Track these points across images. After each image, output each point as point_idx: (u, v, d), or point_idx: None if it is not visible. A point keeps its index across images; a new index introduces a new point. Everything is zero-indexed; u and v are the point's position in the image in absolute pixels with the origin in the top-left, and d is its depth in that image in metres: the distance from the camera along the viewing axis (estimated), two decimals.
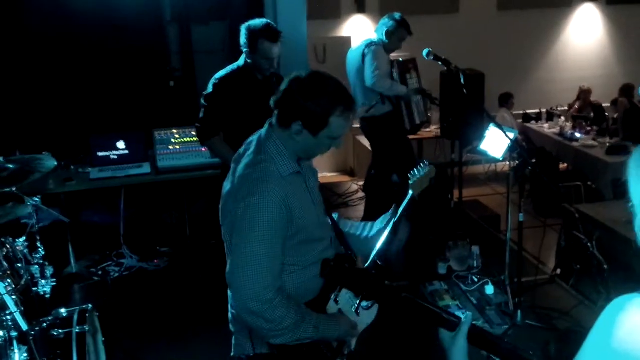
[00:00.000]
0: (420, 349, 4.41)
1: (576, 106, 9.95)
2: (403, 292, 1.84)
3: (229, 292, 2.64)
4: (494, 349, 1.70)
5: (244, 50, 4.40)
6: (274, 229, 2.34)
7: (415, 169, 3.01)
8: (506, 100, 9.65)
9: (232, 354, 2.68)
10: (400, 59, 6.32)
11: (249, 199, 2.33)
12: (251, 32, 4.31)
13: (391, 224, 2.81)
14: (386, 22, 6.03)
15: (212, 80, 4.50)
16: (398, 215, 2.83)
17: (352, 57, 6.19)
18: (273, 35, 4.30)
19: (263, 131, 2.52)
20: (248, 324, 2.37)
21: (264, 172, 2.39)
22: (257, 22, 4.34)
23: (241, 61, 4.49)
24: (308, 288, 2.53)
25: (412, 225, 2.93)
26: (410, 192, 2.94)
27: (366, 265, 2.75)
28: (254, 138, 2.55)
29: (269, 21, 4.42)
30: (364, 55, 5.97)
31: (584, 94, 10.04)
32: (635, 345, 1.25)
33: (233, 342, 2.67)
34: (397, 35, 6.01)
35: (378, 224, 2.87)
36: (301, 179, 2.52)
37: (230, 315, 2.68)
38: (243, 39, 4.35)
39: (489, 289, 5.08)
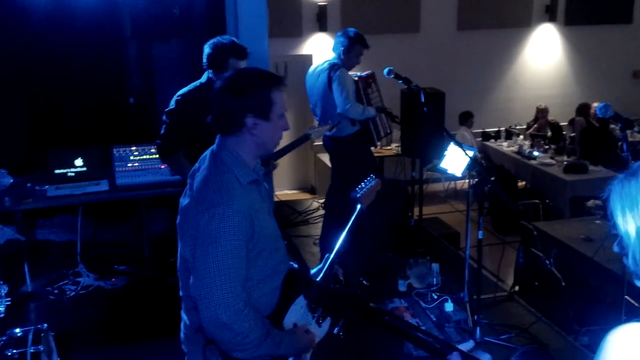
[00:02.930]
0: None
1: (536, 125, 10.10)
2: (386, 315, 1.84)
3: (182, 313, 2.64)
4: None
5: (209, 69, 4.38)
6: (239, 239, 2.33)
7: (362, 183, 3.10)
8: (466, 119, 9.77)
9: None
10: (360, 74, 6.32)
11: (213, 209, 2.32)
12: (219, 50, 4.29)
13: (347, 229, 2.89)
14: (341, 41, 6.00)
15: (175, 97, 4.46)
16: (347, 228, 2.89)
17: (315, 79, 6.15)
18: (242, 53, 4.31)
19: (214, 146, 2.54)
20: (214, 336, 2.34)
21: (224, 182, 2.39)
22: (223, 39, 4.34)
23: (204, 78, 4.46)
24: (263, 303, 2.51)
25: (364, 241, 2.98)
26: (359, 205, 2.99)
27: (324, 266, 2.78)
28: (206, 153, 2.56)
29: (233, 38, 4.42)
30: (330, 79, 5.95)
31: (540, 113, 10.23)
32: None
33: None
34: (354, 52, 6.00)
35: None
36: (257, 188, 2.53)
37: (182, 335, 2.66)
38: (209, 58, 4.33)
39: (449, 306, 5.09)
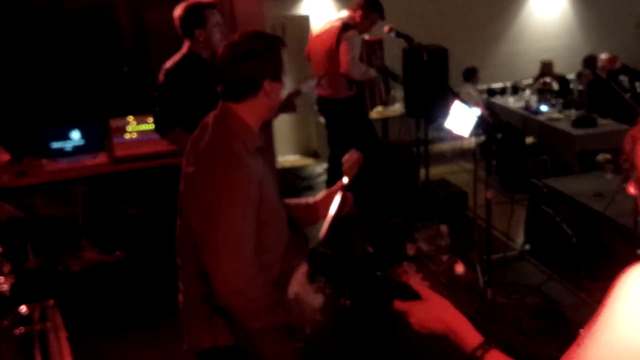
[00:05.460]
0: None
1: (547, 80, 9.93)
2: (393, 283, 1.82)
3: (180, 284, 2.65)
4: None
5: (190, 33, 4.36)
6: (250, 205, 2.32)
7: (347, 155, 3.08)
8: (471, 75, 9.60)
9: (184, 346, 2.65)
10: (366, 37, 6.30)
11: (223, 176, 2.29)
12: (193, 8, 4.30)
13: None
14: (362, 4, 6.00)
15: (163, 72, 4.44)
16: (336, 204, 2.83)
17: (323, 35, 6.12)
18: (211, 3, 4.34)
19: (217, 112, 2.49)
20: (229, 305, 2.32)
21: (233, 149, 2.36)
22: (190, 1, 4.35)
23: (184, 49, 4.43)
24: (267, 273, 2.47)
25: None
26: (345, 178, 2.97)
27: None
28: (208, 120, 2.51)
29: None
30: (338, 40, 5.93)
31: (545, 67, 10.05)
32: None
33: (185, 334, 2.64)
34: (369, 19, 6.04)
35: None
36: (261, 155, 2.50)
37: (180, 305, 2.66)
38: (187, 19, 4.31)
39: (459, 268, 5.08)
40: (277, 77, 2.44)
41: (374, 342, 4.18)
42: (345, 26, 5.93)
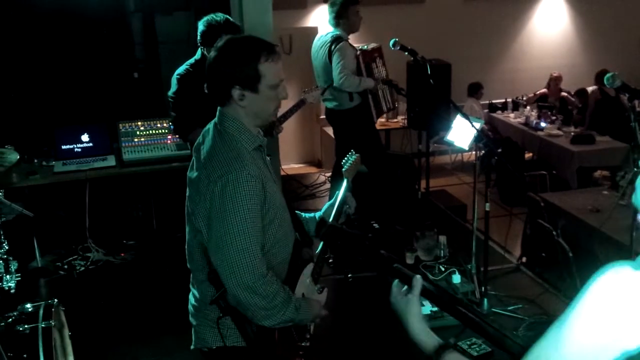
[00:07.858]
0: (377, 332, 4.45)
1: (546, 91, 9.99)
2: (395, 262, 1.83)
3: (191, 286, 2.66)
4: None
5: (202, 46, 4.39)
6: (255, 203, 2.34)
7: (346, 157, 3.20)
8: (475, 90, 9.67)
9: (192, 346, 2.67)
10: (365, 47, 6.28)
11: (226, 176, 2.31)
12: (213, 28, 4.28)
13: (338, 202, 2.96)
14: (333, 9, 5.91)
15: (175, 77, 4.49)
16: (339, 201, 2.95)
17: (318, 52, 6.13)
18: (235, 30, 4.29)
19: (215, 119, 2.52)
20: (241, 302, 2.34)
21: (233, 150, 2.38)
22: (217, 17, 4.33)
23: (198, 54, 4.48)
24: (276, 272, 2.50)
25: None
26: (345, 179, 3.09)
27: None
28: (209, 126, 2.54)
29: (227, 16, 4.40)
30: (330, 53, 5.92)
31: (553, 81, 10.10)
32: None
33: (193, 334, 2.67)
34: (349, 13, 5.91)
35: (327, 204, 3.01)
36: (262, 155, 2.53)
37: (191, 307, 2.67)
38: (203, 35, 4.33)
39: (456, 278, 5.10)
40: (249, 87, 2.37)
41: (373, 318, 4.22)
42: (335, 39, 5.92)
